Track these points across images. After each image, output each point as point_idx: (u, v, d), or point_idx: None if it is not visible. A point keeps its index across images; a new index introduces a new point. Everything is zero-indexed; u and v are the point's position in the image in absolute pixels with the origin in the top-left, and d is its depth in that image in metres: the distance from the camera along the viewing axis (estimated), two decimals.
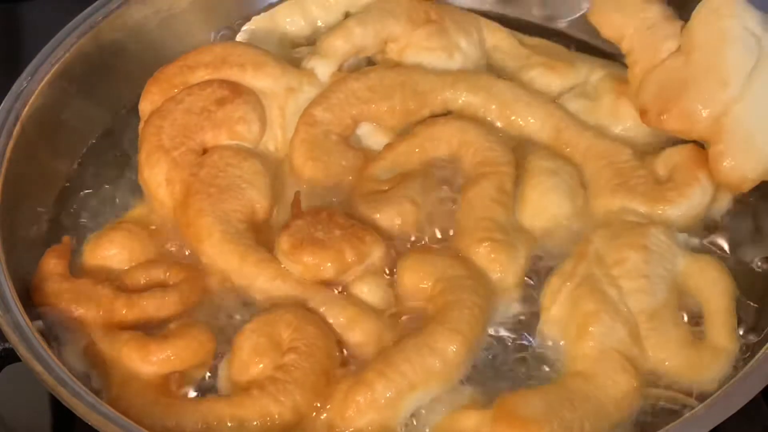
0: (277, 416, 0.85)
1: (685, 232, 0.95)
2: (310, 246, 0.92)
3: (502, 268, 0.93)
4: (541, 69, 1.08)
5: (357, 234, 0.93)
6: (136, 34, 1.09)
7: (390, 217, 0.96)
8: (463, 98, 1.04)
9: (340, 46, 1.06)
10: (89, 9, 1.07)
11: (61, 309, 0.91)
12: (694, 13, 0.96)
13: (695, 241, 0.96)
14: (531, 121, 1.02)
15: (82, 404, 0.82)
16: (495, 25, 1.12)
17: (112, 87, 1.08)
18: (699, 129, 0.95)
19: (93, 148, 1.06)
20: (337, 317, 0.91)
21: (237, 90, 1.02)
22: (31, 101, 1.00)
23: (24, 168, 0.99)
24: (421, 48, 1.07)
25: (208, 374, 0.90)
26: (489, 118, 1.03)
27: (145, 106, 1.03)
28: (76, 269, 0.95)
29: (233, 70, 1.03)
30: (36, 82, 1.01)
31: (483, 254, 0.93)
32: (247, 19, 1.13)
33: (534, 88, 1.06)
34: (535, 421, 0.81)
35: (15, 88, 1.00)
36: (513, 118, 1.03)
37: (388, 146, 1.01)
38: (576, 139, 1.01)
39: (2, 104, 1.00)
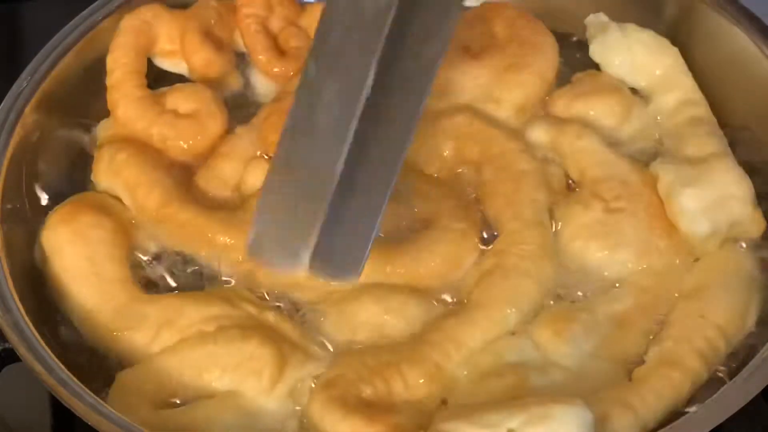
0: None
1: None
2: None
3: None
4: (546, 328, 0.91)
5: None
6: None
7: None
8: (509, 227, 0.96)
9: (551, 136, 1.02)
10: (89, 9, 1.06)
11: None
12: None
13: None
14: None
15: (82, 404, 0.82)
16: None
17: None
18: None
19: None
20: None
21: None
22: (31, 101, 1.00)
23: (24, 168, 0.99)
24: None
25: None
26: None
27: None
28: None
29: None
30: (36, 82, 1.01)
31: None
32: None
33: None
34: None
35: (15, 88, 1.00)
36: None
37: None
38: (450, 376, 0.89)
39: (2, 104, 1.00)
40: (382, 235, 0.96)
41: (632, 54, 1.05)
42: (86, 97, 1.05)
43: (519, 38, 1.07)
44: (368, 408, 0.85)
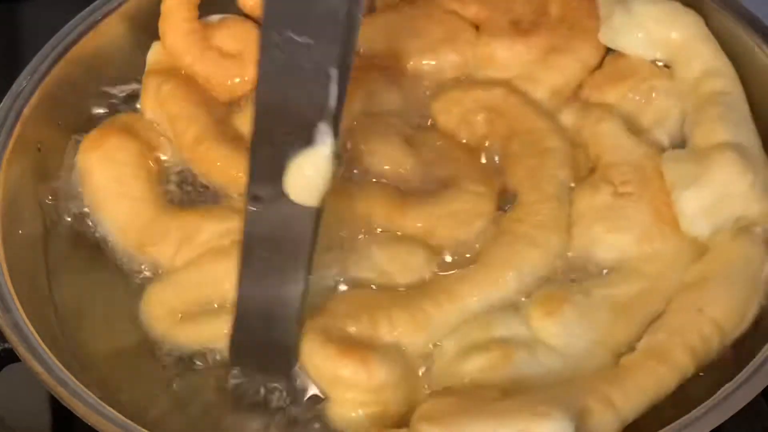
0: None
1: None
2: None
3: None
4: (539, 306, 0.90)
5: None
6: (136, 33, 1.09)
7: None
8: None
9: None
10: (89, 9, 1.06)
11: None
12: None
13: None
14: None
15: (82, 404, 0.83)
16: None
17: (113, 85, 1.08)
18: None
19: None
20: None
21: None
22: (31, 101, 1.00)
23: (24, 167, 0.99)
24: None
25: None
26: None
27: None
28: None
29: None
30: (36, 82, 1.01)
31: None
32: None
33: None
34: None
35: (15, 87, 1.00)
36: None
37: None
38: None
39: (2, 104, 1.00)
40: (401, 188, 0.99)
41: (643, 30, 1.03)
42: (86, 97, 1.06)
43: (570, 20, 1.06)
44: (348, 341, 0.87)
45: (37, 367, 0.85)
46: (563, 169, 0.98)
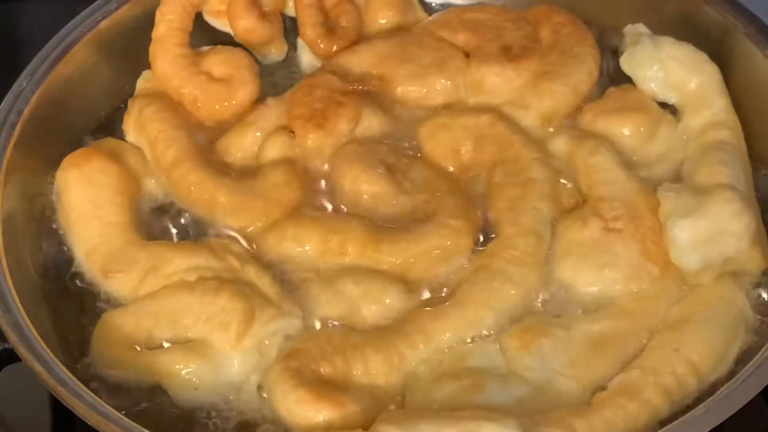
0: None
1: None
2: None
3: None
4: (515, 338, 0.90)
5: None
6: (136, 33, 1.09)
7: None
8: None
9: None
10: (89, 9, 1.07)
11: None
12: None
13: None
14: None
15: (82, 404, 0.83)
16: None
17: (112, 85, 1.08)
18: None
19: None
20: None
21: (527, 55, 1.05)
22: (31, 101, 1.00)
23: (24, 167, 0.99)
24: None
25: None
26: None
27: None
28: None
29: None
30: (36, 82, 1.01)
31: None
32: None
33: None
34: None
35: (15, 87, 1.01)
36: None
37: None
38: None
39: (2, 103, 1.00)
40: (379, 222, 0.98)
41: (664, 68, 1.02)
42: (85, 97, 1.06)
43: (561, 46, 1.06)
44: (322, 384, 0.86)
45: (37, 367, 0.85)
46: (544, 201, 0.96)
